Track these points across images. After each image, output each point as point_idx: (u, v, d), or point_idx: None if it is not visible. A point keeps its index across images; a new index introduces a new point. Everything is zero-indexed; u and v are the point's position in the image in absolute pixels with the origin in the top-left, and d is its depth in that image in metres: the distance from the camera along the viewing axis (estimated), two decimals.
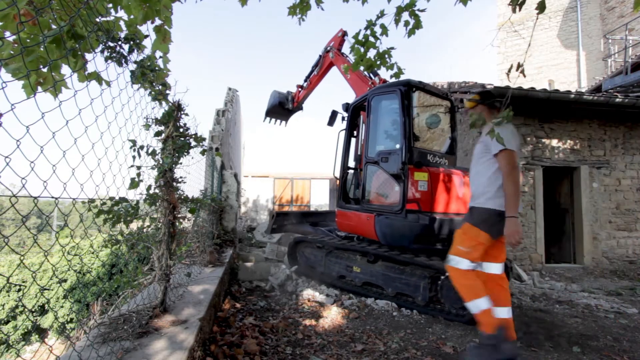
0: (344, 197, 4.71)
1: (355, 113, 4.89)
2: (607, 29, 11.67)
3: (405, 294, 3.63)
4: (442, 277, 3.32)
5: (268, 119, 7.54)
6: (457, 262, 2.27)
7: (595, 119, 6.24)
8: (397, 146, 3.83)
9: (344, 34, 5.79)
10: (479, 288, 2.19)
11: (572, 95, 5.64)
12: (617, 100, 5.61)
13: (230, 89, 8.56)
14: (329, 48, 5.97)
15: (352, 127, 4.89)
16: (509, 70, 2.28)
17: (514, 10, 2.18)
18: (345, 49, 5.83)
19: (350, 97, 5.62)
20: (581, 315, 3.57)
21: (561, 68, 12.85)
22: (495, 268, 2.33)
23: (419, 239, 3.49)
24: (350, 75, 5.45)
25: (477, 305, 2.16)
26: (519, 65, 2.18)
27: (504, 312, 2.22)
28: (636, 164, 6.32)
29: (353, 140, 5.04)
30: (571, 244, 6.43)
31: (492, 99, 2.52)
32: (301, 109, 7.29)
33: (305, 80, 6.65)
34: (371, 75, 5.23)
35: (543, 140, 6.14)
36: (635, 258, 6.14)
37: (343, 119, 5.13)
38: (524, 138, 6.07)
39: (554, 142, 6.17)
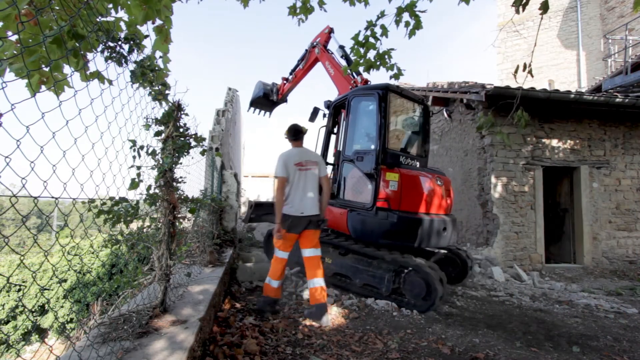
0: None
1: (336, 111, 5.03)
2: (607, 29, 11.67)
3: (371, 285, 3.88)
4: (405, 271, 3.62)
5: (252, 109, 7.55)
6: (276, 252, 3.19)
7: (595, 119, 6.24)
8: (372, 147, 4.04)
9: (331, 30, 5.83)
10: (280, 272, 3.18)
11: (572, 95, 5.64)
12: (617, 100, 5.61)
13: (230, 89, 8.56)
14: (315, 44, 5.99)
15: (332, 125, 5.04)
16: (516, 71, 2.29)
17: (517, 11, 2.18)
18: (331, 45, 5.89)
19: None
20: (581, 315, 3.57)
21: (561, 68, 12.85)
22: (305, 252, 3.19)
23: (387, 235, 3.75)
24: (334, 72, 5.53)
25: (272, 282, 3.17)
26: (526, 66, 2.18)
27: (316, 282, 3.10)
28: (636, 164, 6.32)
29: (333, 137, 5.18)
30: (571, 244, 6.42)
31: (297, 134, 3.28)
32: (285, 101, 7.34)
33: (291, 74, 6.65)
34: (354, 74, 5.32)
35: (543, 140, 6.14)
36: (635, 258, 6.14)
37: (324, 115, 5.20)
38: (523, 138, 6.07)
39: (554, 142, 6.17)
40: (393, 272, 3.68)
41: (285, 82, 6.91)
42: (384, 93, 4.04)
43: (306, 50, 6.18)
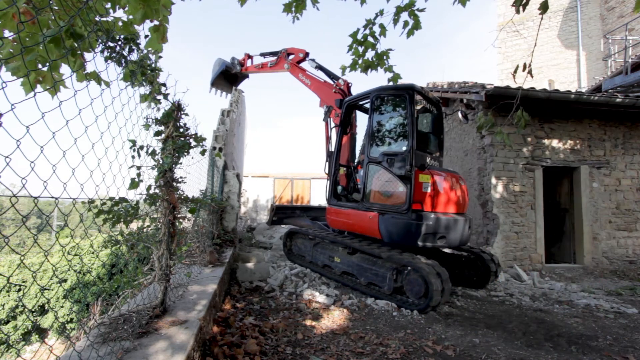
0: (335, 195, 4.86)
1: (349, 110, 4.97)
2: (607, 29, 11.67)
3: (374, 284, 3.92)
4: (406, 270, 3.61)
5: (213, 89, 7.63)
6: None
7: (595, 119, 6.24)
8: (404, 149, 3.97)
9: (306, 54, 5.99)
10: None
11: (572, 95, 5.63)
12: (617, 100, 5.61)
13: (236, 89, 8.59)
14: (288, 57, 6.12)
15: (345, 125, 4.97)
16: (515, 71, 2.29)
17: (517, 11, 2.18)
18: (305, 66, 6.04)
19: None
20: (581, 315, 3.57)
21: (561, 68, 12.85)
22: None
23: (424, 238, 3.67)
24: (311, 82, 5.66)
25: None
26: (526, 66, 2.18)
27: None
28: (636, 164, 6.32)
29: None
30: (571, 244, 6.42)
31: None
32: (247, 76, 7.59)
33: (261, 54, 6.75)
34: (329, 78, 5.48)
35: (543, 140, 6.13)
36: (635, 258, 6.13)
37: (337, 114, 5.19)
38: (523, 138, 6.07)
39: (554, 142, 6.17)
40: (395, 270, 3.70)
41: (249, 58, 7.09)
42: (413, 93, 3.99)
43: (279, 53, 6.26)
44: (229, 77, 7.55)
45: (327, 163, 5.10)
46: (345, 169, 5.07)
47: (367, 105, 4.64)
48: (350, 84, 5.35)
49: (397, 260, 3.66)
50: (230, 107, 7.84)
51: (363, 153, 4.81)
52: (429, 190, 3.78)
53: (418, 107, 4.14)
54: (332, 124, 5.29)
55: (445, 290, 3.39)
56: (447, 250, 4.84)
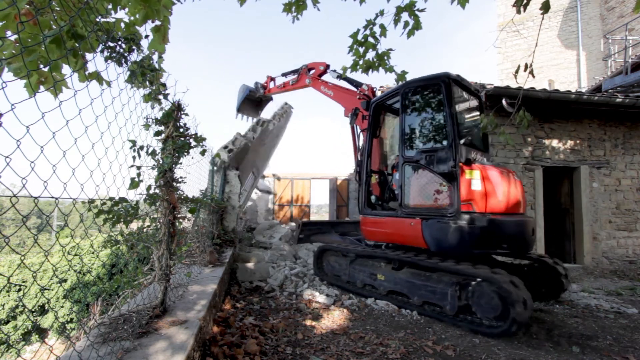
0: (369, 203, 4.39)
1: (378, 111, 4.57)
2: (607, 29, 11.67)
3: (432, 303, 3.34)
4: (473, 283, 3.04)
5: (240, 115, 7.67)
6: None
7: (595, 119, 6.24)
8: (445, 143, 3.50)
9: (327, 67, 5.91)
10: None
11: (572, 95, 5.64)
12: (617, 100, 5.61)
13: (286, 103, 8.60)
14: (309, 73, 6.07)
15: (374, 127, 4.57)
16: (517, 71, 2.29)
17: (518, 11, 2.18)
18: (327, 78, 5.99)
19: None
20: (581, 315, 3.57)
21: (561, 68, 12.86)
22: None
23: (478, 243, 3.16)
24: (334, 93, 5.53)
25: None
26: (527, 66, 2.18)
27: None
28: (636, 164, 6.32)
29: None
30: (571, 244, 6.42)
31: None
32: (271, 99, 7.65)
33: (283, 75, 6.74)
34: (352, 86, 5.33)
35: (543, 140, 6.14)
36: (635, 258, 6.13)
37: (364, 117, 4.84)
38: (524, 138, 6.07)
39: (554, 142, 6.17)
40: (457, 285, 3.13)
41: (271, 80, 7.11)
42: (449, 82, 3.53)
43: (299, 70, 6.25)
44: (253, 101, 7.60)
45: (358, 172, 4.71)
46: (377, 175, 4.61)
47: (396, 105, 4.29)
48: (375, 89, 5.09)
49: (457, 271, 3.11)
50: (272, 118, 7.86)
51: (397, 155, 4.25)
52: (479, 187, 3.26)
53: (455, 97, 3.65)
54: (359, 130, 4.93)
55: (527, 302, 2.78)
56: (501, 258, 4.18)
